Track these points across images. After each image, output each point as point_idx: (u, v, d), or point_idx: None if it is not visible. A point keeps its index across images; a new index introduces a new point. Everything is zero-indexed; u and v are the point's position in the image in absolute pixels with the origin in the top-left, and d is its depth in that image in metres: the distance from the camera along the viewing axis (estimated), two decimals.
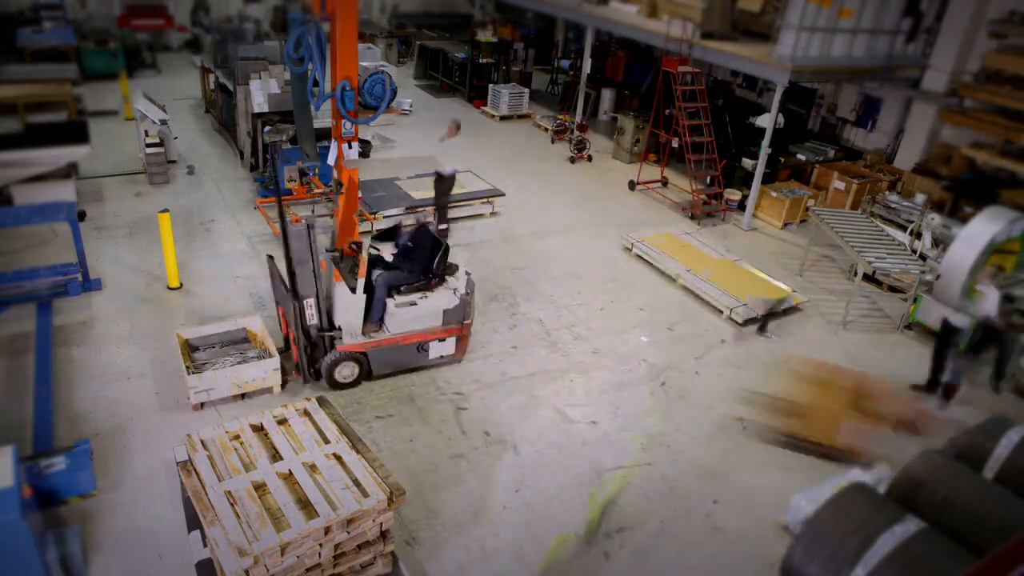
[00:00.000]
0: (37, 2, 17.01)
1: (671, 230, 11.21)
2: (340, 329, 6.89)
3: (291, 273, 6.47)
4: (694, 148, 12.10)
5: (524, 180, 13.01)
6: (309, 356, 6.92)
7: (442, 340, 7.38)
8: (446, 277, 7.43)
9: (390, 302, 7.09)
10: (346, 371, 7.08)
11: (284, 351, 7.18)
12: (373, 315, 7.09)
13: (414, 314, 7.13)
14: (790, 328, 9.05)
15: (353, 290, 6.74)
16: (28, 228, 9.38)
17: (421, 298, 7.19)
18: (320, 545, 4.60)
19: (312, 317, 6.72)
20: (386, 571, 5.05)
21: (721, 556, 5.74)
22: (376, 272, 7.14)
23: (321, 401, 5.63)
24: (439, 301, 7.22)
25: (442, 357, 7.52)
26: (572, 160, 14.38)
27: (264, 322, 7.38)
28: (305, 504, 4.70)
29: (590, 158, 14.62)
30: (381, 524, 4.84)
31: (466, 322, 7.41)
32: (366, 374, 7.21)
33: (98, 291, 8.39)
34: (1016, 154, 11.12)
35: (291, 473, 4.93)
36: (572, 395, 7.46)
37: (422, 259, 7.34)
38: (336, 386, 7.09)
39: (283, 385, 6.99)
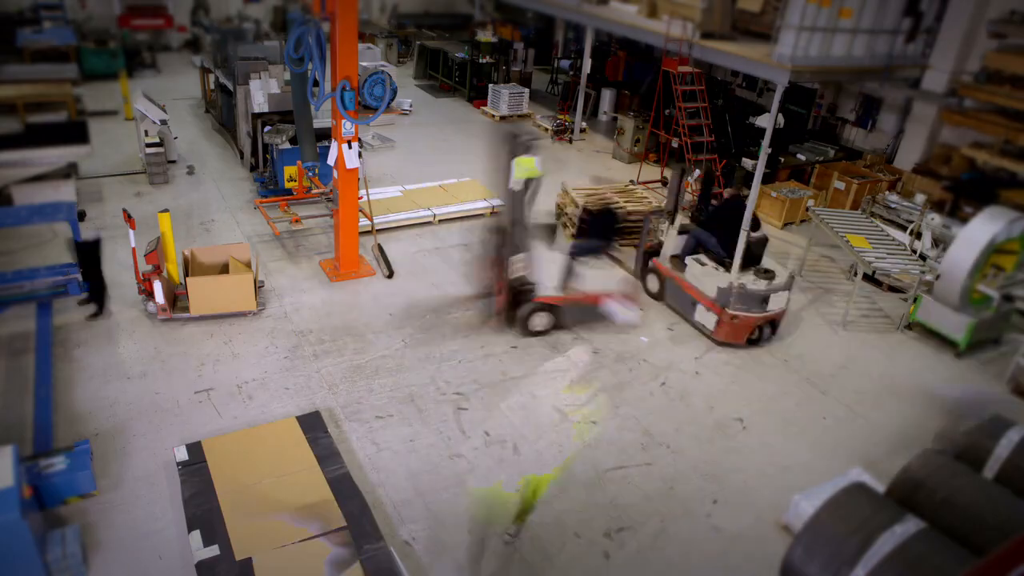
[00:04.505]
0: (37, 2, 17.01)
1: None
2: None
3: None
4: (694, 148, 12.10)
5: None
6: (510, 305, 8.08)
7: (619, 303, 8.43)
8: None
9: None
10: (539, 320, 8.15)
11: (486, 297, 8.23)
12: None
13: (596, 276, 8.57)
14: (790, 328, 9.05)
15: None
16: (28, 228, 9.38)
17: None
18: None
19: (520, 271, 7.84)
20: None
21: (721, 556, 5.74)
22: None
23: None
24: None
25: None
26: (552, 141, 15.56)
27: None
28: None
29: (570, 140, 15.67)
30: None
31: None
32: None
33: None
34: (1016, 154, 11.11)
35: None
36: (572, 395, 7.44)
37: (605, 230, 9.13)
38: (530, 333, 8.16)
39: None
